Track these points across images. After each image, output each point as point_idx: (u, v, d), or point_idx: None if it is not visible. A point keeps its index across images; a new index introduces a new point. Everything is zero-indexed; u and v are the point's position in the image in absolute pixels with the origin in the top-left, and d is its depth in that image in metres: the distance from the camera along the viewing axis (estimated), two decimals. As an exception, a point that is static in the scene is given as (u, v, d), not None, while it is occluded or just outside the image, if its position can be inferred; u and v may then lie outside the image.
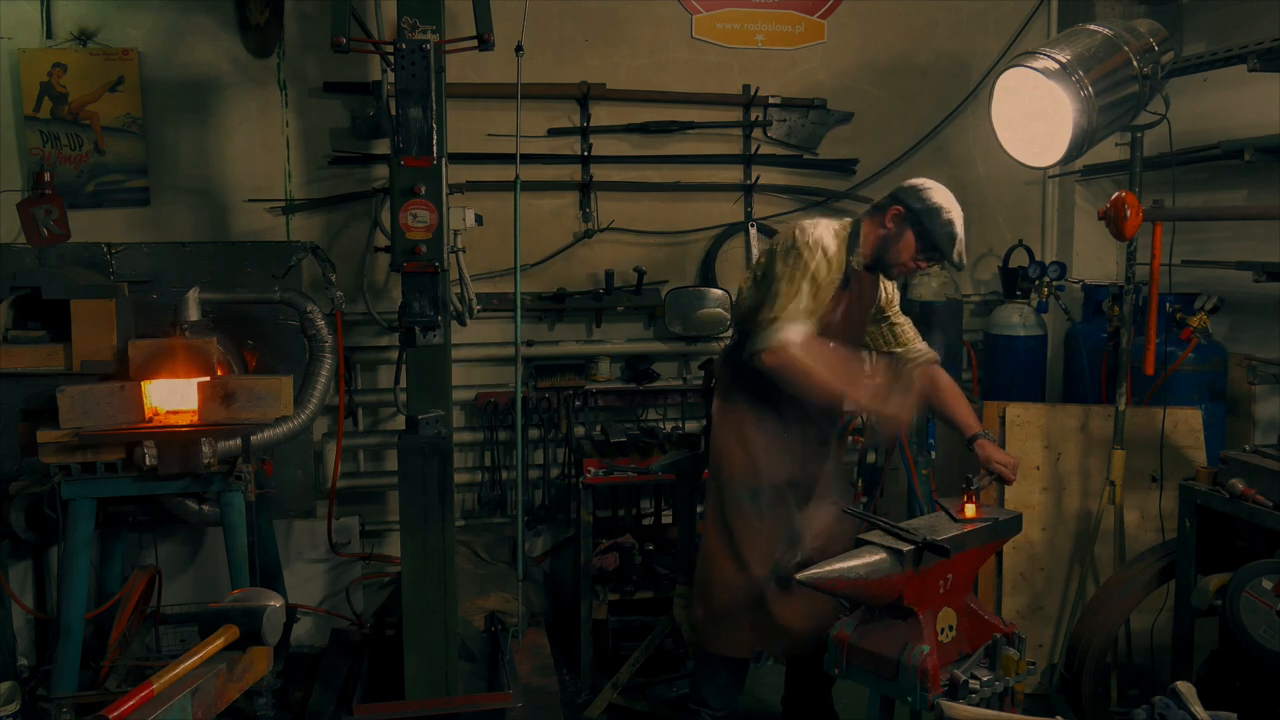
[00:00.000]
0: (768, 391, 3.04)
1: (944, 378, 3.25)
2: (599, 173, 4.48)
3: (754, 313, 2.99)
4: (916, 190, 2.99)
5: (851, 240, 3.04)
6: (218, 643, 1.93)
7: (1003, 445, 3.87)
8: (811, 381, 2.88)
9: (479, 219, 3.68)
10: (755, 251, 4.52)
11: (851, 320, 3.12)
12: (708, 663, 3.24)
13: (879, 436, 2.93)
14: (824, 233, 2.97)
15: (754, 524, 3.08)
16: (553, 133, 4.45)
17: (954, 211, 2.97)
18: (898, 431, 2.90)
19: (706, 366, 3.55)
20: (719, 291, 4.28)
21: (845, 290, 3.04)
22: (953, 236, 2.96)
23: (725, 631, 3.12)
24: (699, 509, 3.49)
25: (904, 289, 4.70)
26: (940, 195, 2.98)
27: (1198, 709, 2.21)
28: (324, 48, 4.12)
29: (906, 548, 2.53)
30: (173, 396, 3.42)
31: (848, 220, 3.10)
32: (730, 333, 3.21)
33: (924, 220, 2.96)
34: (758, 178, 4.61)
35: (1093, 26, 3.55)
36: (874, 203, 3.15)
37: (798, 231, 2.98)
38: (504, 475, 4.46)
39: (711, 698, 3.25)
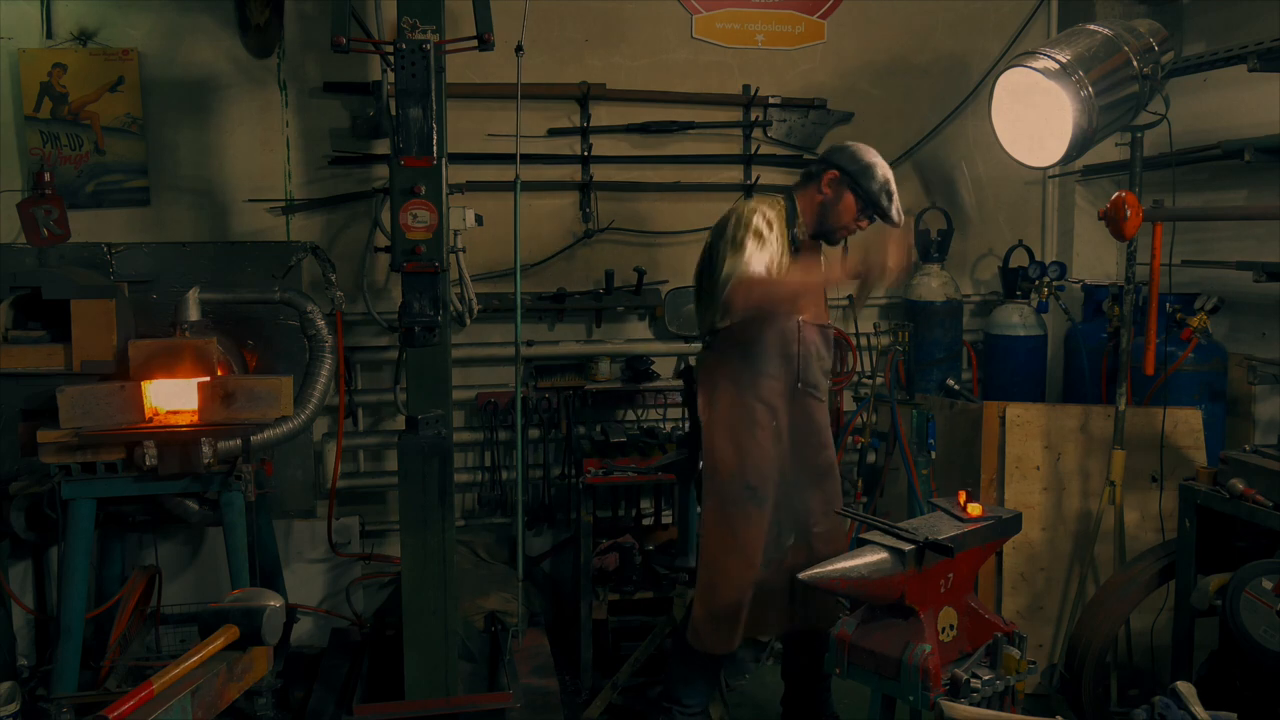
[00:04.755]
0: (753, 386, 3.09)
1: None
2: (599, 173, 4.48)
3: (710, 289, 3.06)
4: (848, 151, 3.10)
5: (790, 215, 3.11)
6: (218, 643, 1.93)
7: (1003, 445, 3.88)
8: (783, 288, 2.99)
9: (479, 219, 3.68)
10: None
11: (813, 293, 3.18)
12: (684, 662, 3.26)
13: (872, 278, 2.93)
14: (757, 204, 3.06)
15: (754, 520, 3.10)
16: (553, 133, 4.45)
17: (885, 168, 3.10)
18: (900, 275, 2.92)
19: (685, 374, 3.53)
20: (719, 291, 4.27)
21: (797, 258, 3.10)
22: (890, 192, 3.08)
23: (723, 630, 3.14)
24: (699, 509, 3.50)
25: (905, 288, 4.74)
26: (870, 154, 3.10)
27: (1198, 709, 2.22)
28: (324, 48, 4.12)
29: (908, 547, 2.53)
30: (173, 396, 3.42)
31: (779, 196, 3.16)
32: (703, 336, 3.25)
33: (860, 180, 3.06)
34: (758, 178, 4.61)
35: (1093, 26, 3.55)
36: (804, 172, 3.24)
37: (736, 208, 3.08)
38: (504, 475, 4.46)
39: (685, 696, 3.27)
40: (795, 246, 3.10)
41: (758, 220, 3.00)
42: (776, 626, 3.26)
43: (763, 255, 2.96)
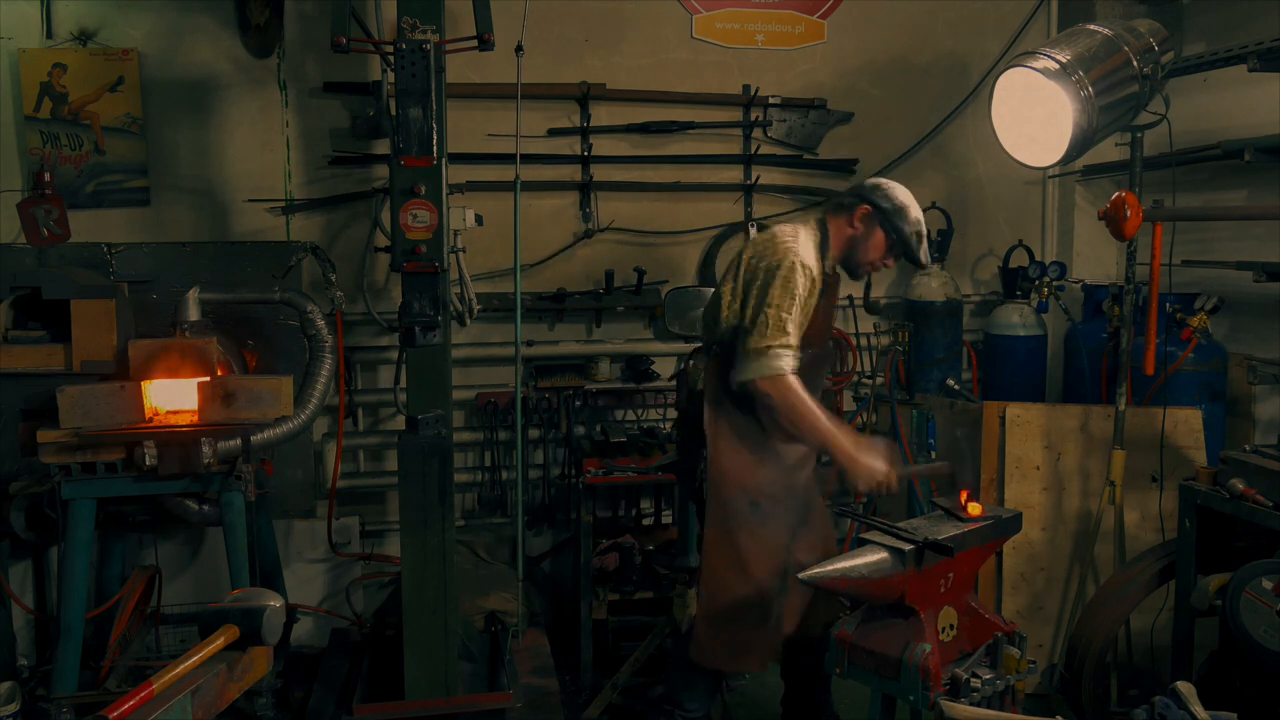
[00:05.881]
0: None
1: None
2: (599, 173, 4.48)
3: (740, 332, 2.96)
4: (883, 190, 3.05)
5: (823, 245, 3.06)
6: (218, 643, 1.93)
7: (1003, 445, 3.88)
8: (804, 418, 2.88)
9: (479, 219, 3.68)
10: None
11: (825, 321, 3.15)
12: (686, 666, 3.21)
13: (851, 487, 2.94)
14: (804, 248, 2.96)
15: (757, 534, 3.06)
16: (553, 133, 4.45)
17: (918, 209, 3.06)
18: (871, 489, 2.91)
19: (679, 377, 3.50)
20: (719, 291, 4.28)
21: (823, 297, 3.05)
22: (921, 234, 3.04)
23: (725, 647, 3.10)
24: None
25: (905, 288, 4.74)
26: (905, 195, 3.06)
27: (1198, 709, 2.22)
28: (324, 48, 4.12)
29: (908, 547, 2.53)
30: (173, 396, 3.42)
31: (813, 222, 3.09)
32: (710, 344, 3.18)
33: (893, 219, 3.02)
34: (758, 178, 4.61)
35: (1093, 26, 3.55)
36: (835, 200, 3.18)
37: (781, 250, 2.94)
38: (504, 475, 4.46)
39: (687, 700, 3.24)
40: (825, 283, 3.04)
41: (804, 280, 2.90)
42: (764, 660, 3.20)
43: (798, 330, 2.87)
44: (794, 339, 2.87)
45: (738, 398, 3.03)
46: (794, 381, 2.85)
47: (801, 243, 2.98)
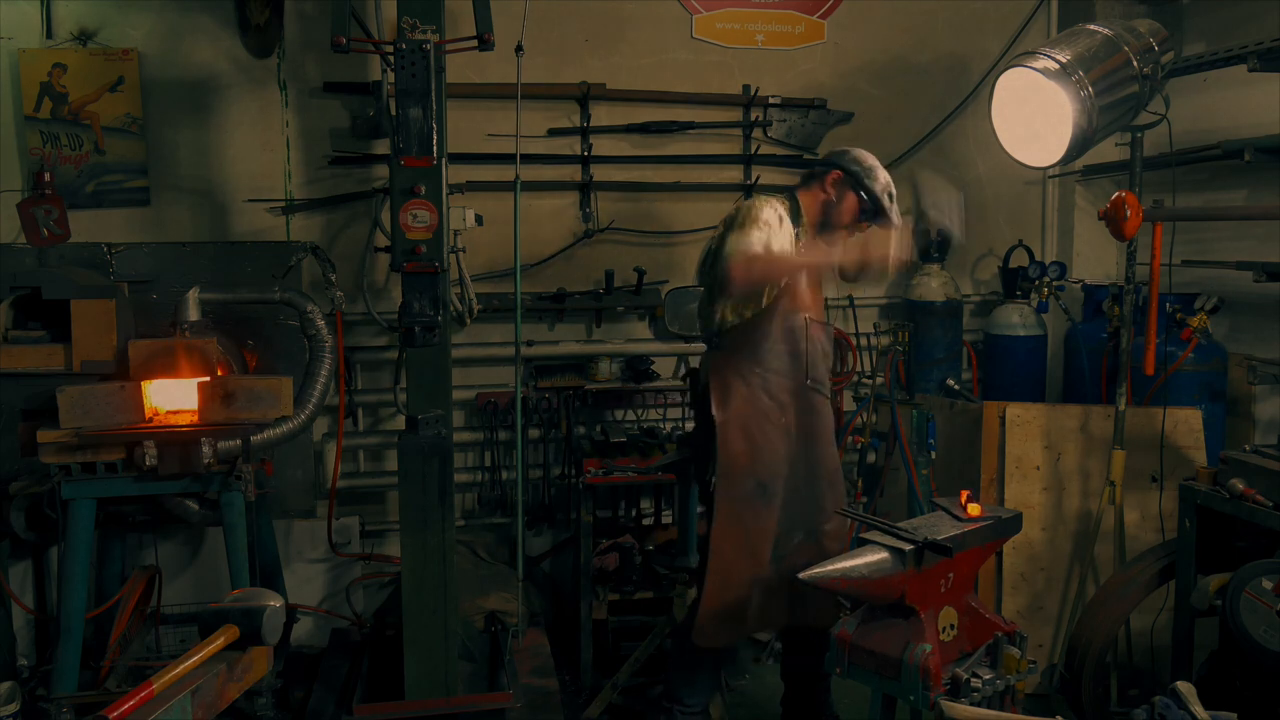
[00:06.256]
0: (763, 382, 3.12)
1: None
2: (599, 173, 4.48)
3: (716, 263, 3.09)
4: (850, 154, 3.23)
5: (794, 213, 3.17)
6: (218, 643, 1.93)
7: (1003, 446, 3.88)
8: (783, 263, 3.04)
9: (479, 219, 3.69)
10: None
11: (815, 291, 3.25)
12: (685, 662, 3.27)
13: (872, 269, 3.07)
14: (763, 201, 3.10)
15: (763, 517, 3.12)
16: (553, 133, 4.45)
17: (885, 172, 3.21)
18: (899, 268, 3.06)
19: (690, 376, 3.56)
20: (719, 291, 4.28)
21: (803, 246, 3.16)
22: (891, 194, 3.20)
23: (729, 625, 3.15)
24: (699, 509, 3.50)
25: (905, 288, 4.74)
26: (872, 158, 3.23)
27: (1198, 709, 2.22)
28: (324, 48, 4.12)
29: (908, 547, 2.53)
30: (173, 396, 3.42)
31: (782, 195, 3.21)
32: (709, 336, 3.29)
33: (864, 180, 3.18)
34: (758, 178, 4.61)
35: (1093, 26, 3.55)
36: (805, 173, 3.35)
37: (744, 203, 3.12)
38: (504, 475, 4.46)
39: (686, 695, 3.28)
40: (799, 241, 3.16)
41: (766, 213, 3.05)
42: (778, 620, 3.26)
43: (765, 238, 2.99)
44: (758, 243, 2.97)
45: (745, 382, 3.11)
46: (758, 253, 2.96)
47: (762, 200, 3.11)
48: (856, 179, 3.17)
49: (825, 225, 3.21)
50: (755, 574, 3.12)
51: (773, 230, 3.02)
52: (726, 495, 3.13)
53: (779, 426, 3.14)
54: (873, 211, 3.19)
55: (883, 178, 3.20)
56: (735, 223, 3.06)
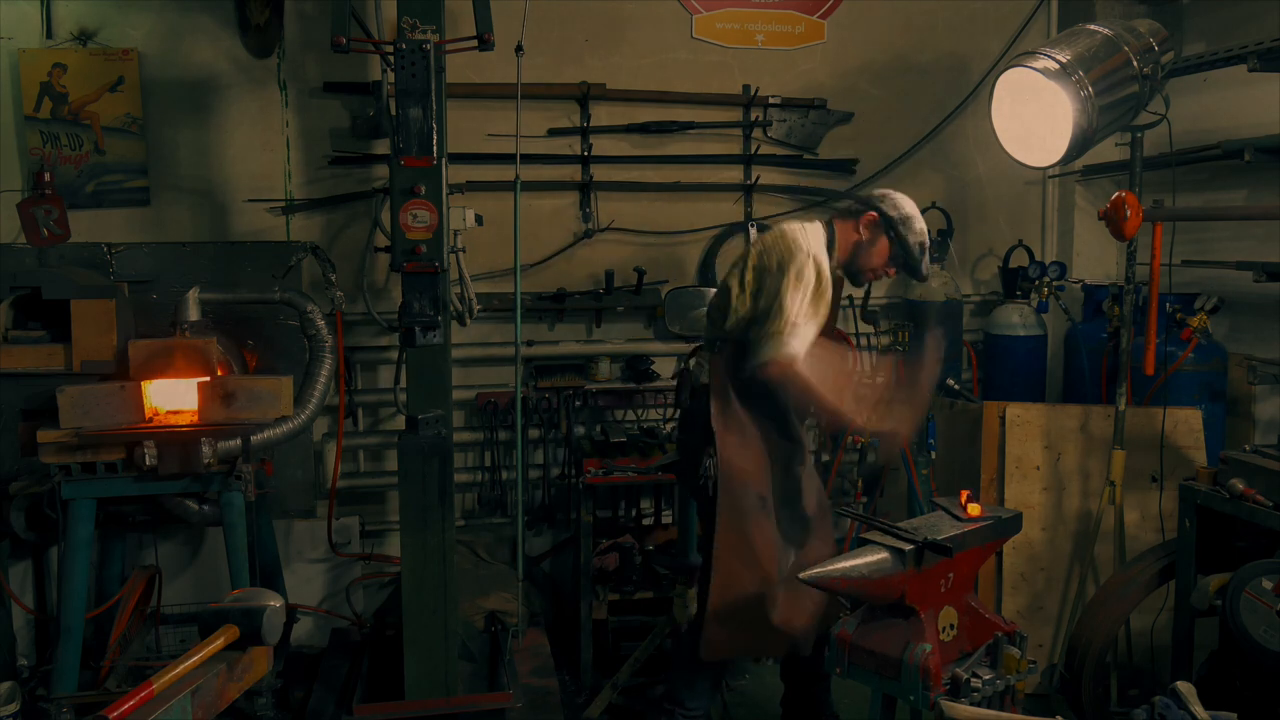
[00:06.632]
0: (767, 398, 3.06)
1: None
2: (599, 173, 4.48)
3: (754, 325, 2.99)
4: (890, 199, 3.12)
5: (830, 244, 3.10)
6: (218, 643, 1.93)
7: (1003, 446, 3.88)
8: (812, 397, 2.94)
9: (479, 219, 3.68)
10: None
11: (829, 321, 3.15)
12: (687, 665, 3.24)
13: (880, 454, 3.02)
14: (815, 245, 3.00)
15: (764, 529, 3.08)
16: (553, 133, 4.45)
17: (923, 222, 3.11)
18: (898, 448, 2.98)
19: (681, 375, 3.50)
20: (719, 291, 4.28)
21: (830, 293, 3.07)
22: (924, 246, 3.10)
23: (729, 637, 3.12)
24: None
25: (905, 288, 4.74)
26: (911, 206, 3.12)
27: (1198, 709, 2.22)
28: (324, 48, 4.12)
29: (908, 547, 2.53)
30: (173, 396, 3.42)
31: (819, 224, 3.13)
32: (714, 340, 3.21)
33: (899, 228, 3.08)
34: (758, 178, 4.61)
35: (1093, 26, 3.55)
36: (842, 207, 3.24)
37: (793, 245, 2.98)
38: (504, 475, 4.46)
39: (688, 698, 3.25)
40: (832, 283, 3.07)
41: (809, 272, 2.93)
42: (778, 650, 3.24)
43: (810, 319, 2.92)
44: (807, 325, 2.90)
45: (743, 392, 3.06)
46: (801, 364, 2.89)
47: (812, 239, 3.02)
48: (891, 225, 3.08)
49: (853, 265, 3.15)
50: (759, 584, 3.07)
51: (810, 298, 2.92)
52: (728, 506, 3.08)
53: (774, 439, 3.13)
54: (903, 261, 3.12)
55: (918, 228, 3.09)
56: (779, 274, 2.93)
